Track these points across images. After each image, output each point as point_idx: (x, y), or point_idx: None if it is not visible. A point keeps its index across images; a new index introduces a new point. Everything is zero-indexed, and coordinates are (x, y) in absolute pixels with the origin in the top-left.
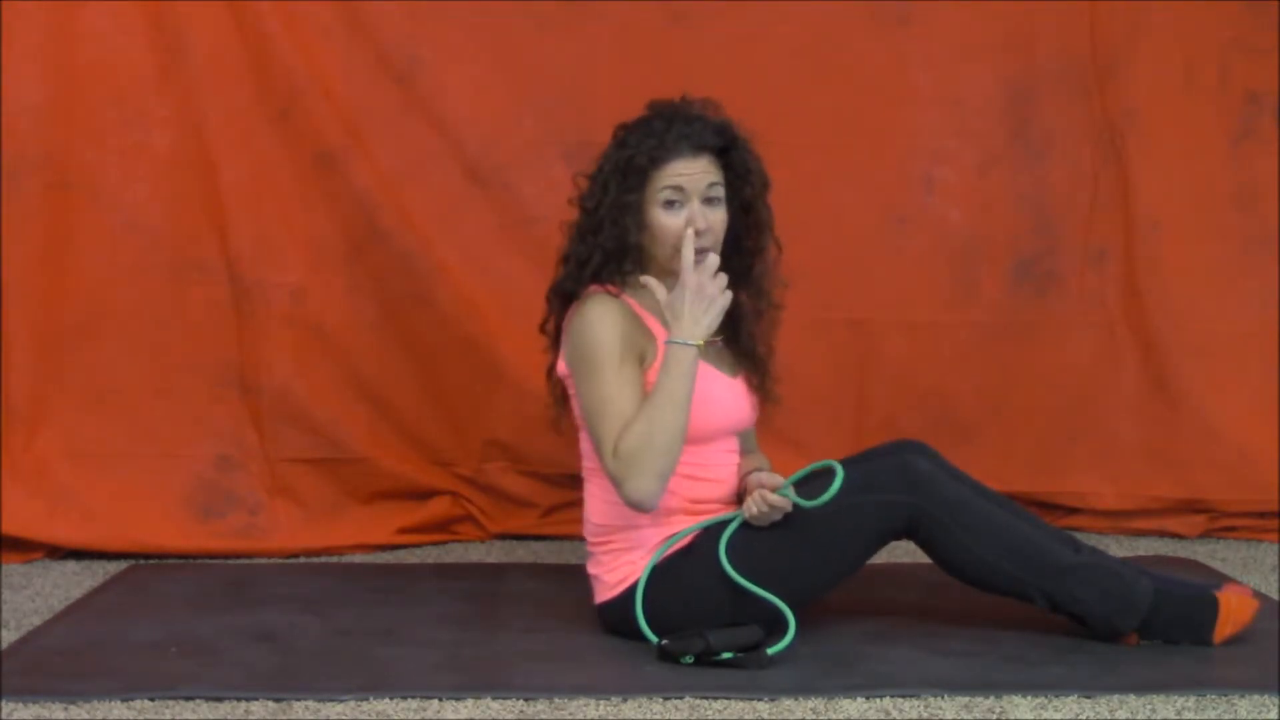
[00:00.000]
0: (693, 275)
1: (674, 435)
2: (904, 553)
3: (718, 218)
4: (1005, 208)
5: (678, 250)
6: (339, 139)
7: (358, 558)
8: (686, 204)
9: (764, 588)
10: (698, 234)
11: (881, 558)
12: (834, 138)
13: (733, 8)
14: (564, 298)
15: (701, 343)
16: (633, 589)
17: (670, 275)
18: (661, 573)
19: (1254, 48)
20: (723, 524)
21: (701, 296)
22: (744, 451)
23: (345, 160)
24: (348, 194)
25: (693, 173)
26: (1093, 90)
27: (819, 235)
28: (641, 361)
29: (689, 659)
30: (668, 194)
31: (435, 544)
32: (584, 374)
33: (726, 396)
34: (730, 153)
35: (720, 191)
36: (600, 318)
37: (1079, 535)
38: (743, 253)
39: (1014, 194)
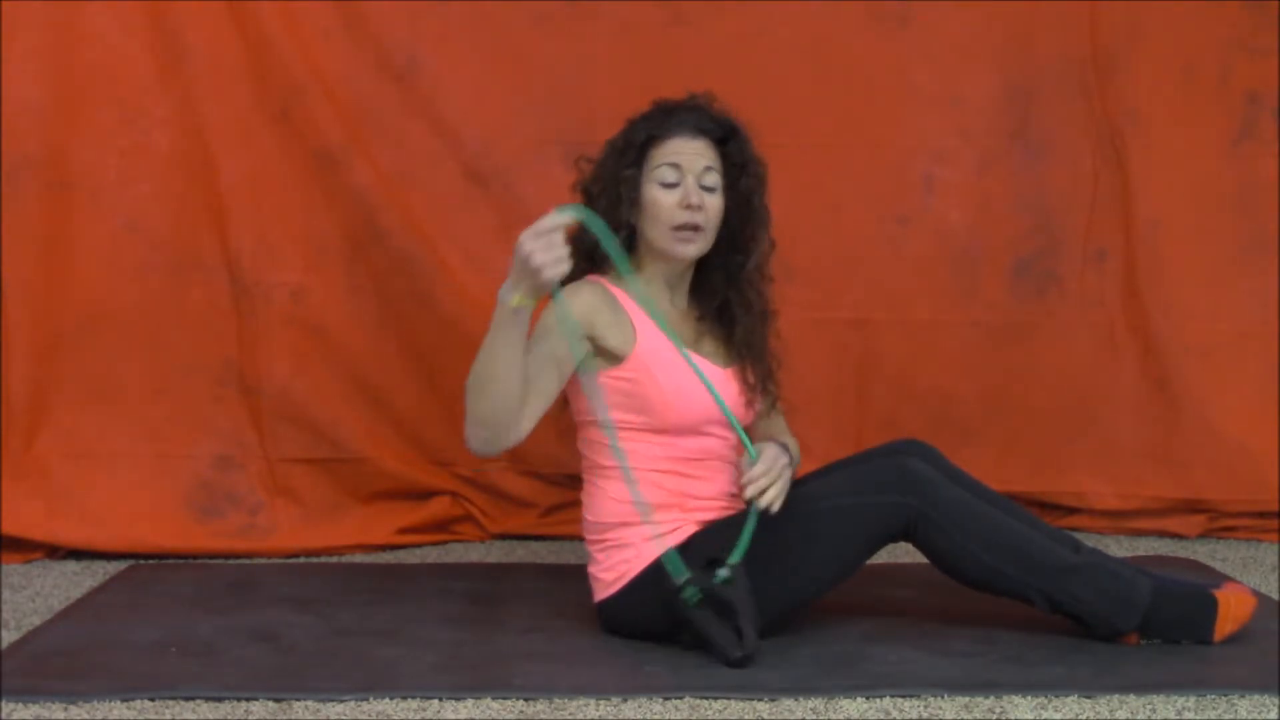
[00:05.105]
0: (528, 239)
1: (481, 380)
2: (904, 553)
3: (713, 203)
4: (1005, 208)
5: (670, 229)
6: (339, 139)
7: (358, 558)
8: (682, 182)
9: (763, 587)
10: (692, 209)
11: (881, 558)
12: (834, 138)
13: (733, 8)
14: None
15: (515, 303)
16: (630, 586)
17: (662, 259)
18: (657, 570)
19: (1254, 48)
20: (731, 526)
21: (526, 263)
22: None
23: (345, 160)
24: (348, 194)
25: (690, 152)
26: (1093, 90)
27: (819, 235)
28: (604, 346)
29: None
30: (664, 171)
31: (435, 544)
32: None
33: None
34: (729, 144)
35: (716, 180)
36: (571, 293)
37: (1079, 535)
38: (737, 248)
39: (1014, 194)
